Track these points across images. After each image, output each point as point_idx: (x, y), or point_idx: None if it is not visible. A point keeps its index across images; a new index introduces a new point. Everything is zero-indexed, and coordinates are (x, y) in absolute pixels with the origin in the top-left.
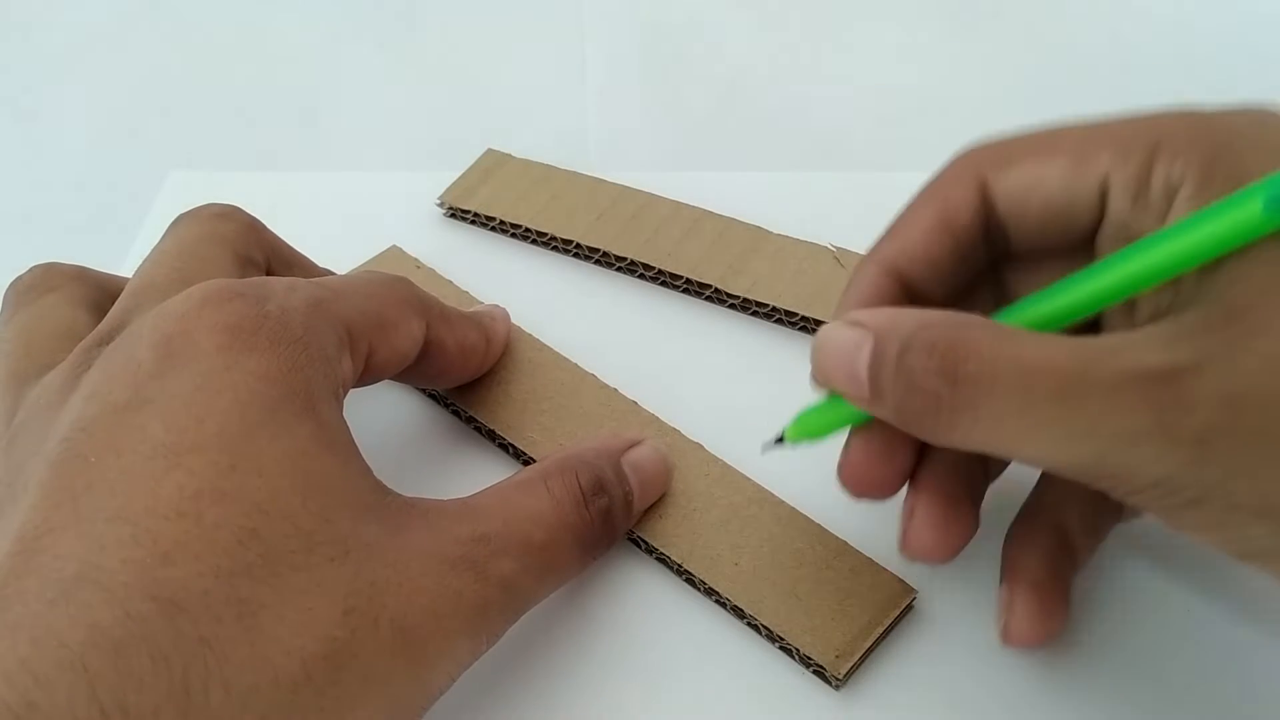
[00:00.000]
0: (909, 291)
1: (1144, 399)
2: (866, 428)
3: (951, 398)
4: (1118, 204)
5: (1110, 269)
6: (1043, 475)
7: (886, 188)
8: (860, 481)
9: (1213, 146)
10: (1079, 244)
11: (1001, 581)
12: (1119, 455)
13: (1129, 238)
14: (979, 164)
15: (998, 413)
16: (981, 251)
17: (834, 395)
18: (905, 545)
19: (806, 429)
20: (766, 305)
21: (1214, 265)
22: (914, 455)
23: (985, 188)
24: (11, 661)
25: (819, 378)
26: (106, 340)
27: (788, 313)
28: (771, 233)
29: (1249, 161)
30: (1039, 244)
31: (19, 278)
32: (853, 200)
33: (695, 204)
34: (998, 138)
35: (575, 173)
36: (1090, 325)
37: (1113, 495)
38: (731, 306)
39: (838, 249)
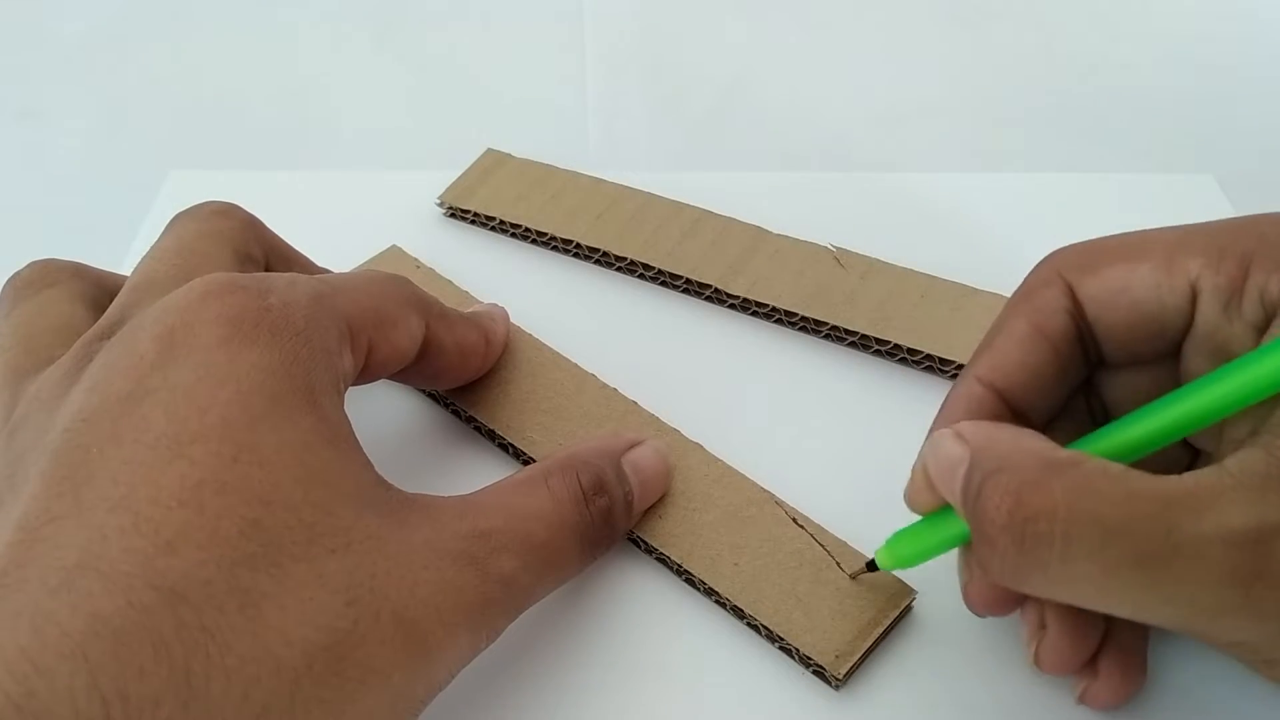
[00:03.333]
0: (1009, 406)
1: (1230, 572)
2: None
3: (1017, 557)
4: (1207, 311)
5: (1199, 393)
6: None
7: (886, 188)
8: (991, 605)
9: None
10: (1169, 350)
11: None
12: (1203, 624)
13: (1216, 346)
14: (1064, 268)
15: (1071, 575)
16: (1079, 360)
17: (930, 517)
18: (1039, 661)
19: (902, 555)
20: (766, 305)
21: None
22: None
23: (1073, 292)
24: (12, 650)
25: (921, 491)
26: (107, 335)
27: (788, 313)
28: (771, 233)
29: None
30: (1129, 350)
31: (17, 273)
32: (853, 200)
33: (695, 204)
34: (1083, 243)
35: (575, 173)
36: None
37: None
38: (731, 306)
39: (838, 249)
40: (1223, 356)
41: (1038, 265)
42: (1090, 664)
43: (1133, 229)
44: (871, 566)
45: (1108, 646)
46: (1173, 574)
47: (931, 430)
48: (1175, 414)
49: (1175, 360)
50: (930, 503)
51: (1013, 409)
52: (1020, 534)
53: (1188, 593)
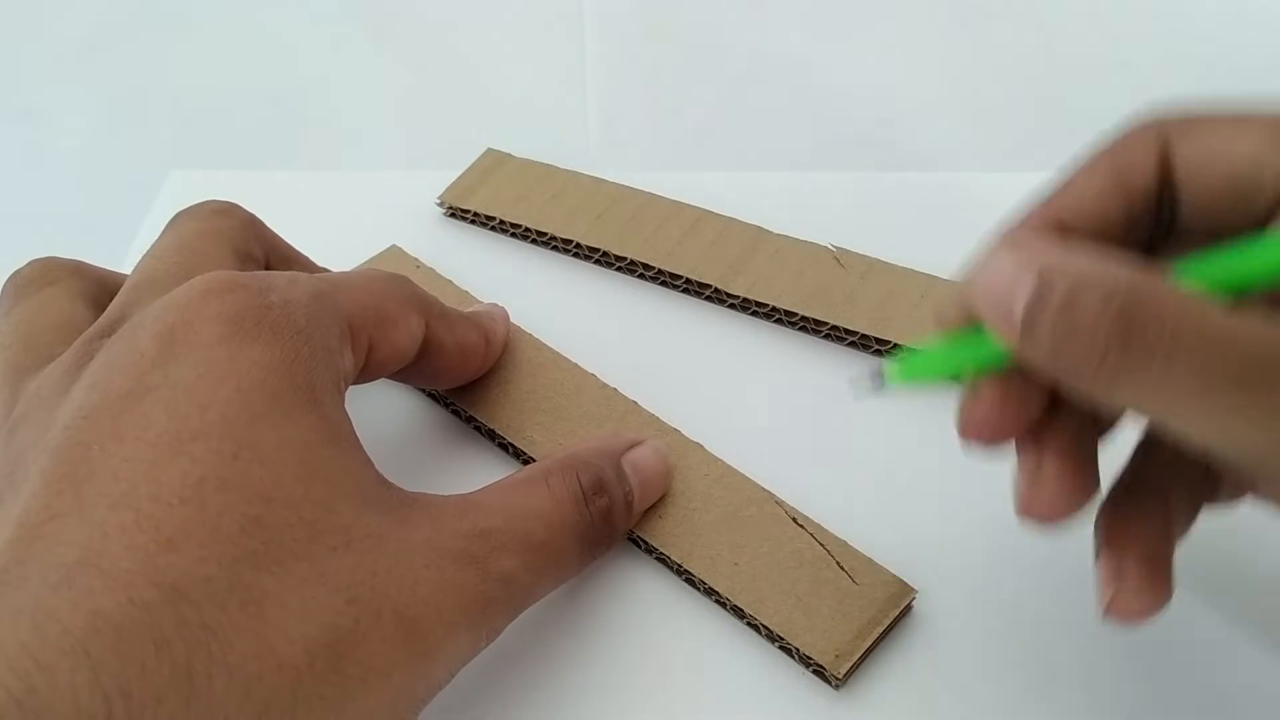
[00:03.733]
0: None
1: None
2: (998, 373)
3: (1120, 358)
4: None
5: None
6: (1144, 445)
7: (886, 188)
8: (989, 430)
9: None
10: (1249, 226)
11: (1101, 553)
12: None
13: None
14: (1164, 127)
15: (1170, 385)
16: (1148, 222)
17: (956, 337)
18: (1029, 506)
19: (917, 370)
20: (766, 305)
21: None
22: (1043, 404)
23: (1167, 152)
24: (13, 646)
25: (958, 311)
26: (107, 333)
27: (788, 313)
28: (771, 233)
29: None
30: (1208, 220)
31: (17, 271)
32: (853, 200)
33: (695, 204)
34: (1186, 107)
35: (575, 172)
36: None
37: (1258, 489)
38: (731, 306)
39: (838, 249)
40: None
41: (1134, 121)
42: (1117, 569)
43: None
44: (875, 383)
45: (1136, 551)
46: (1272, 396)
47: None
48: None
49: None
50: (957, 320)
51: None
52: (1128, 336)
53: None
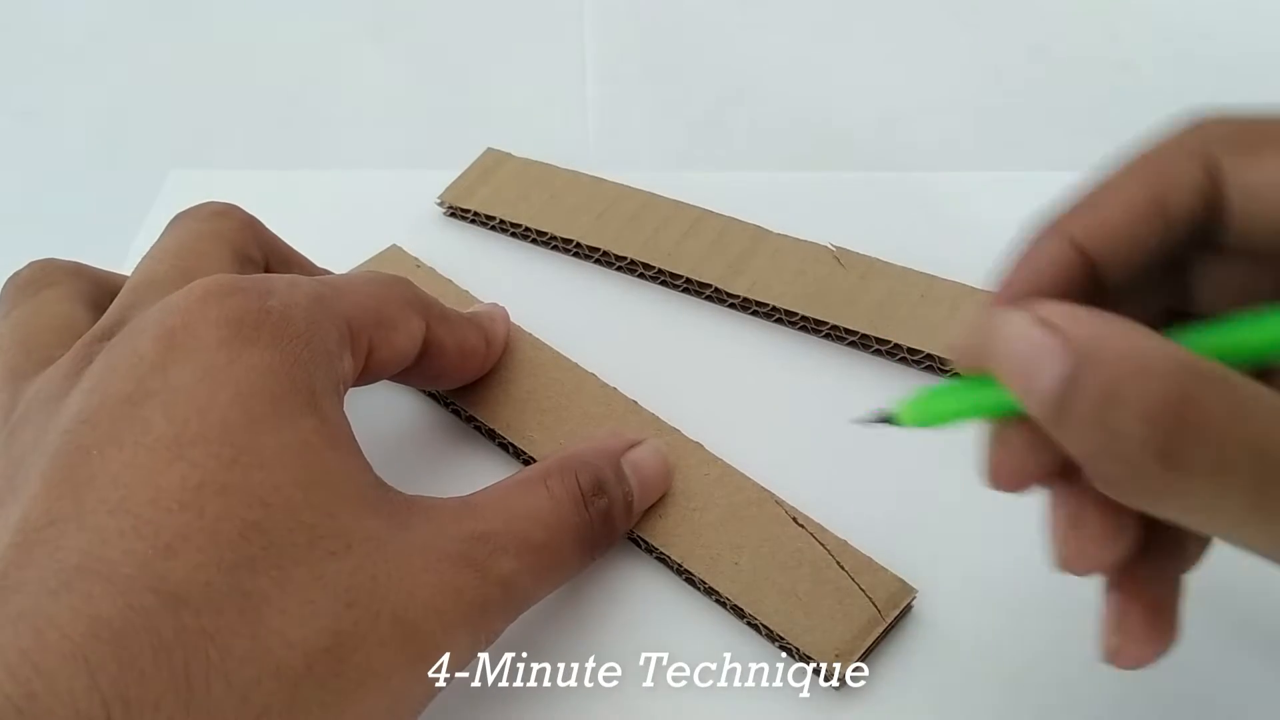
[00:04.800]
0: (1095, 273)
1: None
2: (1018, 421)
3: (1161, 479)
4: None
5: None
6: None
7: (886, 188)
8: (1018, 479)
9: None
10: None
11: (1106, 596)
12: None
13: None
14: (1212, 142)
15: (1216, 505)
16: (1181, 243)
17: (975, 381)
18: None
19: (930, 413)
20: (766, 305)
21: None
22: None
23: (1217, 172)
24: (13, 653)
25: (974, 361)
26: (107, 336)
27: (788, 312)
28: (771, 232)
29: None
30: (1262, 244)
31: (16, 273)
32: (853, 200)
33: (695, 204)
34: (1235, 117)
35: (575, 172)
36: None
37: None
38: (731, 306)
39: (838, 249)
40: None
41: (1175, 130)
42: (1122, 617)
43: None
44: (886, 421)
45: (1139, 599)
46: None
47: (1003, 288)
48: None
49: None
50: (974, 366)
51: (1097, 279)
52: (1168, 455)
53: None
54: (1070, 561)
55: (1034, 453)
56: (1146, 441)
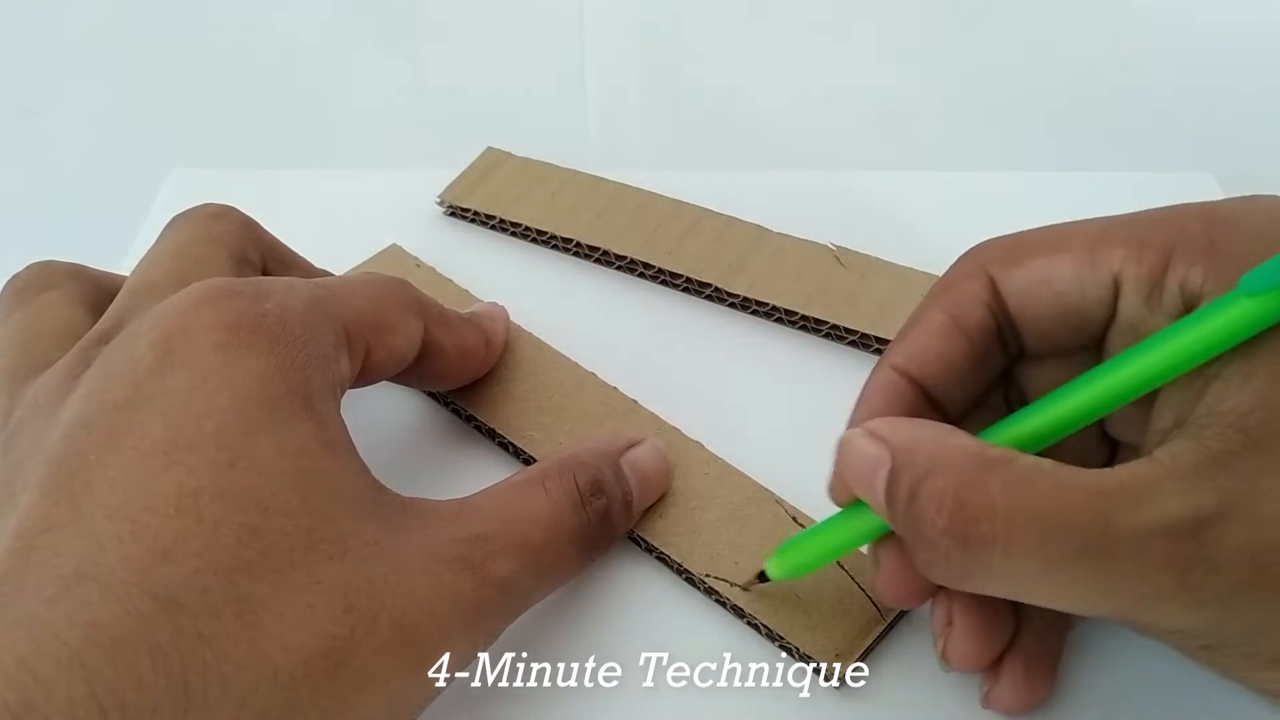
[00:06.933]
0: (926, 396)
1: (1168, 561)
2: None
3: (961, 558)
4: (1129, 302)
5: (1113, 371)
6: None
7: (887, 188)
8: (904, 595)
9: (1231, 250)
10: (1090, 343)
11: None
12: (1142, 613)
13: (1138, 337)
14: (987, 261)
15: (1013, 572)
16: (996, 351)
17: (826, 522)
18: (946, 657)
19: (797, 563)
20: (766, 304)
21: (1231, 366)
22: None
23: (995, 285)
24: (10, 659)
25: (841, 489)
26: (105, 340)
27: (788, 312)
28: (771, 232)
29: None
30: (1051, 342)
31: (15, 275)
32: (853, 200)
33: (695, 203)
34: (1006, 236)
35: (575, 171)
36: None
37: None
38: (731, 305)
39: (838, 248)
40: None
41: (960, 258)
42: (995, 666)
43: None
44: (762, 578)
45: (1014, 650)
46: (1113, 566)
47: (851, 420)
48: (1097, 390)
49: (1097, 352)
50: (846, 498)
51: (929, 399)
52: (962, 536)
53: (1128, 583)
54: (947, 659)
55: (909, 566)
56: (943, 527)
